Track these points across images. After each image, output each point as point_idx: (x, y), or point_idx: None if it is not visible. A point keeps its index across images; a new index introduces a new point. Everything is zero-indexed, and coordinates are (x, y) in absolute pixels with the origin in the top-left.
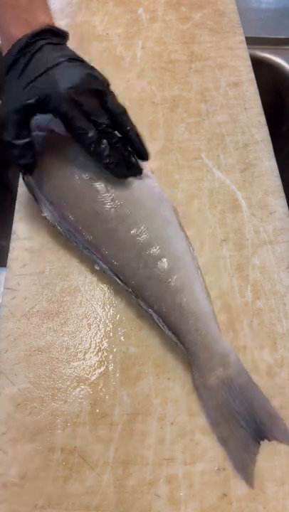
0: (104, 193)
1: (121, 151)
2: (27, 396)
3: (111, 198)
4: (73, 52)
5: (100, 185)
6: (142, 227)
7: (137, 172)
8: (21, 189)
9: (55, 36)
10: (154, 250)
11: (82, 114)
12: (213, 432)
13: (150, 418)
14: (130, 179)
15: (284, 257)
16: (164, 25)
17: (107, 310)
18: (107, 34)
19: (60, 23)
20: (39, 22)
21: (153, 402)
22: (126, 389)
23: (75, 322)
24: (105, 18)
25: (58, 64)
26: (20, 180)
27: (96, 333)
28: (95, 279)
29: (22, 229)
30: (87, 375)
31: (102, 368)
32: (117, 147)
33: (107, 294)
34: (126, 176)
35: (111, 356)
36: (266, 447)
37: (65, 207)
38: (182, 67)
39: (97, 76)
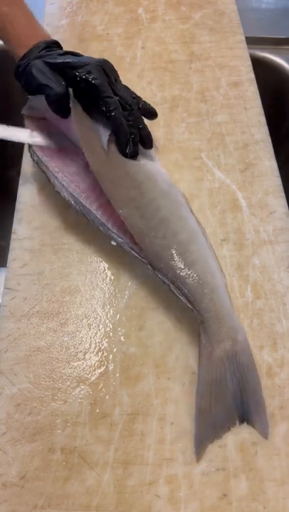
0: (122, 166)
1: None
2: (27, 396)
3: (128, 170)
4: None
5: (116, 159)
6: (161, 202)
7: (150, 147)
8: (21, 189)
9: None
10: (172, 224)
11: (110, 84)
12: (195, 400)
13: (150, 418)
14: (143, 161)
15: (284, 257)
16: (164, 25)
17: (107, 310)
18: (107, 34)
19: (60, 23)
20: (46, 35)
21: (153, 402)
22: (126, 389)
23: (75, 322)
24: (105, 17)
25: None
26: (21, 180)
27: (96, 333)
28: (94, 279)
29: (22, 229)
30: (87, 375)
31: (102, 368)
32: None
33: (107, 294)
34: (136, 152)
35: (111, 356)
36: (266, 447)
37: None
38: (182, 67)
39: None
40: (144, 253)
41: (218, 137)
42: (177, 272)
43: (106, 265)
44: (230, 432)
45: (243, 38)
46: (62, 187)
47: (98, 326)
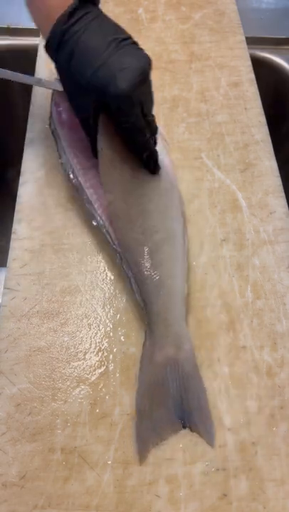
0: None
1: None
2: (27, 396)
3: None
4: (117, 26)
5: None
6: (150, 197)
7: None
8: (21, 189)
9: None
10: (155, 222)
11: (141, 113)
12: (136, 400)
13: None
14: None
15: (284, 257)
16: (164, 25)
17: (107, 310)
18: None
19: None
20: None
21: None
22: (126, 389)
23: (75, 322)
24: None
25: (111, 51)
26: (21, 180)
27: (96, 333)
28: (95, 279)
29: (22, 229)
30: (87, 375)
31: (102, 368)
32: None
33: (107, 294)
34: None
35: (111, 356)
36: (266, 447)
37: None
38: (182, 67)
39: (148, 57)
40: (118, 241)
41: (218, 137)
42: (141, 268)
43: (106, 265)
44: (230, 432)
45: (243, 38)
46: (68, 161)
47: (98, 326)
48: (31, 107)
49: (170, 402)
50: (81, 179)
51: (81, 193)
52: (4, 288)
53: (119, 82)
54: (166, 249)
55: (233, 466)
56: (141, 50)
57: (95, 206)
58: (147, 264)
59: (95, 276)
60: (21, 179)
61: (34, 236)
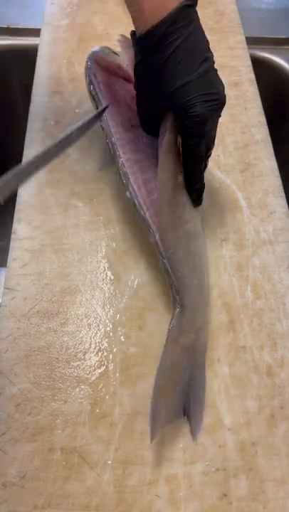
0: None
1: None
2: (27, 396)
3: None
4: (207, 41)
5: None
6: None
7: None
8: (21, 189)
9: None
10: (188, 214)
11: (208, 140)
12: (156, 377)
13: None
14: None
15: (284, 257)
16: None
17: (107, 310)
18: (108, 34)
19: (60, 23)
20: None
21: None
22: (126, 389)
23: (75, 322)
24: (105, 18)
25: (202, 71)
26: None
27: (96, 333)
28: (95, 279)
29: (22, 229)
30: (87, 375)
31: (102, 368)
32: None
33: (107, 294)
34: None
35: (111, 356)
36: (266, 447)
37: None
38: None
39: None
40: (151, 219)
41: (218, 137)
42: (178, 252)
43: (106, 265)
44: (230, 432)
45: (243, 38)
46: (108, 128)
47: (98, 326)
48: (31, 107)
49: (181, 387)
50: (119, 148)
51: (117, 160)
52: (4, 288)
53: (201, 106)
54: (197, 242)
55: (233, 466)
56: (218, 75)
57: (131, 179)
58: (183, 250)
59: (95, 276)
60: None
61: (34, 236)
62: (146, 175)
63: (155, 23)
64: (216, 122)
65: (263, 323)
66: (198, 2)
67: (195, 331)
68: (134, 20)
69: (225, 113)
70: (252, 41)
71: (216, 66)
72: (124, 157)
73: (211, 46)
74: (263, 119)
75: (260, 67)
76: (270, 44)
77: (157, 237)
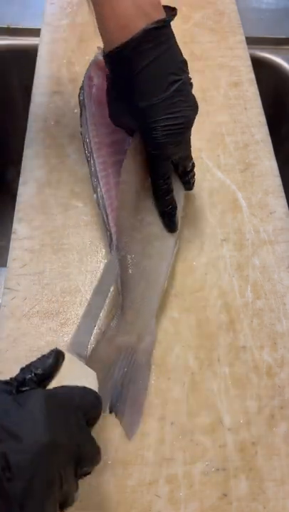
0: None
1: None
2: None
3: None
4: (182, 59)
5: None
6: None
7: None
8: (21, 189)
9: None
10: (153, 216)
11: (173, 164)
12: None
13: (150, 418)
14: None
15: (284, 257)
16: None
17: (107, 310)
18: None
19: (60, 23)
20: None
21: (153, 402)
22: None
23: (75, 322)
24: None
25: (169, 94)
26: (21, 180)
27: (96, 333)
28: (95, 279)
29: (22, 229)
30: None
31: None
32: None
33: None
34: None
35: None
36: (266, 447)
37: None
38: None
39: (196, 108)
40: (113, 221)
41: (218, 137)
42: (129, 255)
43: None
44: (230, 432)
45: (243, 38)
46: (86, 131)
47: (98, 326)
48: (31, 107)
49: (110, 385)
50: (94, 153)
51: (90, 165)
52: (4, 288)
53: (162, 131)
54: (157, 245)
55: (233, 466)
56: (192, 97)
57: (101, 183)
58: (136, 254)
59: (95, 276)
60: (21, 179)
61: (34, 236)
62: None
63: (120, 43)
64: (184, 143)
65: (263, 323)
66: (199, 2)
67: (137, 333)
68: (101, 37)
69: (225, 113)
70: (252, 41)
71: (216, 66)
72: (99, 160)
73: (210, 46)
74: (263, 119)
75: (260, 67)
76: (270, 44)
77: (114, 239)
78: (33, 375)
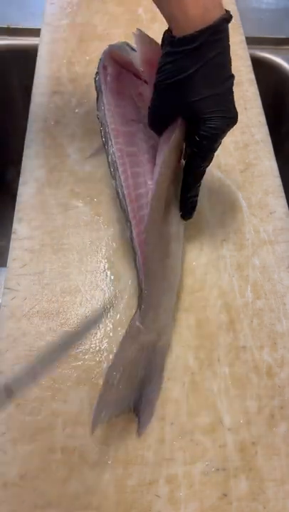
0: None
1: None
2: (27, 396)
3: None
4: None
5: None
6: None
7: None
8: (21, 189)
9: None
10: (173, 215)
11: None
12: (108, 371)
13: None
14: None
15: (284, 257)
16: (164, 25)
17: (107, 310)
18: (108, 34)
19: (60, 23)
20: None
21: None
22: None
23: (75, 322)
24: (105, 18)
25: (225, 87)
26: (21, 180)
27: (96, 333)
28: (94, 279)
29: (22, 229)
30: (87, 375)
31: (102, 368)
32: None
33: (107, 294)
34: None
35: (111, 356)
36: (266, 447)
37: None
38: None
39: None
40: (135, 217)
41: None
42: (155, 251)
43: (106, 265)
44: (230, 432)
45: (243, 38)
46: (104, 118)
47: (98, 326)
48: (31, 107)
49: (134, 385)
50: (112, 138)
51: (107, 150)
52: (4, 288)
53: (220, 121)
54: (174, 245)
55: (233, 466)
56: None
57: (120, 170)
58: (160, 252)
59: (95, 277)
60: (21, 179)
61: (34, 236)
62: (136, 168)
63: (197, 29)
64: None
65: (263, 323)
66: None
67: (157, 331)
68: (174, 21)
69: None
70: (252, 41)
71: None
72: (116, 147)
73: None
74: (263, 119)
75: (260, 67)
76: (270, 44)
77: (134, 232)
78: None
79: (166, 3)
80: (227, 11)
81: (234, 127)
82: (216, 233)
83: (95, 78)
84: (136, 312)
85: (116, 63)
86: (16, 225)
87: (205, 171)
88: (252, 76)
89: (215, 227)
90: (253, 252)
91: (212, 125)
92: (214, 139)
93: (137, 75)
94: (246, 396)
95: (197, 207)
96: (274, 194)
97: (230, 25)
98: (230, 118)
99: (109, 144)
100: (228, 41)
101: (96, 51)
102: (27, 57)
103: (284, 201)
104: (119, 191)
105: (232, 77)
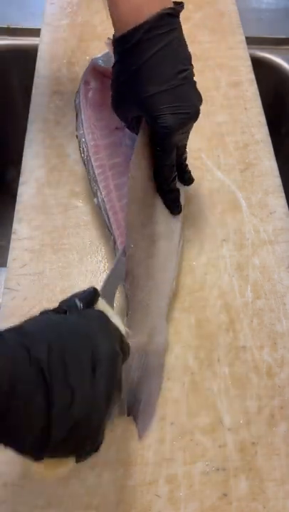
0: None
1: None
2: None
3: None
4: (188, 50)
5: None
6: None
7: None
8: (21, 189)
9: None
10: (158, 215)
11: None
12: None
13: None
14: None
15: (284, 257)
16: None
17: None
18: (107, 34)
19: (60, 23)
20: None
21: None
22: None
23: None
24: (105, 17)
25: (176, 82)
26: (21, 180)
27: None
28: (95, 279)
29: (22, 229)
30: None
31: None
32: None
33: None
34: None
35: None
36: (266, 447)
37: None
38: None
39: (201, 100)
40: (115, 225)
41: (218, 137)
42: (134, 255)
43: (106, 265)
44: (230, 432)
45: (243, 38)
46: (82, 135)
47: None
48: (31, 107)
49: (126, 387)
50: (91, 156)
51: (88, 169)
52: (4, 288)
53: (171, 118)
54: (162, 244)
55: (233, 466)
56: (196, 88)
57: (100, 186)
58: (143, 252)
59: (95, 277)
60: (21, 179)
61: (34, 236)
62: (119, 180)
63: (131, 27)
64: (187, 133)
65: (263, 323)
66: (199, 2)
67: (147, 333)
68: (113, 22)
69: (225, 113)
70: (252, 41)
71: (216, 66)
72: (96, 163)
73: (210, 46)
74: (263, 119)
75: (260, 67)
76: (270, 44)
77: (118, 241)
78: (77, 300)
79: (108, 4)
80: (176, 3)
81: (234, 127)
82: (216, 233)
83: (74, 99)
84: (124, 317)
85: (99, 74)
86: (16, 225)
87: (174, 166)
88: (252, 76)
89: (215, 227)
90: (253, 252)
91: (163, 123)
92: (168, 136)
93: None
94: (246, 396)
95: (197, 206)
96: (274, 194)
97: (230, 25)
98: (186, 113)
99: (91, 160)
100: (179, 33)
101: (96, 51)
102: (27, 57)
103: (284, 201)
104: (102, 206)
105: (187, 70)
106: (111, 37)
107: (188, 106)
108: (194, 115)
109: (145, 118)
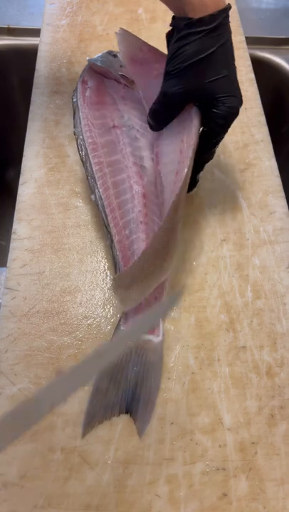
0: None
1: None
2: (27, 396)
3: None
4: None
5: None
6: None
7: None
8: (21, 189)
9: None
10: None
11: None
12: (96, 377)
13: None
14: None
15: (284, 257)
16: (164, 25)
17: (107, 310)
18: (107, 34)
19: (60, 23)
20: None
21: None
22: None
23: (75, 322)
24: (105, 18)
25: (233, 73)
26: (21, 180)
27: (96, 334)
28: (95, 279)
29: (22, 229)
30: None
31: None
32: None
33: (107, 294)
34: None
35: None
36: (266, 447)
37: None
38: None
39: None
40: (112, 222)
41: None
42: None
43: (106, 265)
44: (230, 432)
45: (243, 38)
46: (80, 132)
47: (98, 326)
48: (31, 107)
49: (124, 385)
50: (89, 153)
51: (86, 166)
52: (4, 288)
53: (236, 100)
54: (156, 243)
55: (233, 466)
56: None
57: (98, 183)
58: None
59: (95, 276)
60: (21, 179)
61: (34, 236)
62: (119, 176)
63: (212, 11)
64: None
65: (263, 323)
66: None
67: (145, 330)
68: (188, 5)
69: None
70: (252, 41)
71: None
72: (94, 160)
73: None
74: (263, 119)
75: (260, 67)
76: (270, 44)
77: (116, 239)
78: None
79: None
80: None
81: (234, 127)
82: (216, 233)
83: (72, 97)
84: (121, 315)
85: (97, 74)
86: (16, 225)
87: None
88: (252, 76)
89: (215, 227)
90: (253, 252)
91: (229, 104)
92: (232, 117)
93: (118, 81)
94: (246, 396)
95: (197, 206)
96: (274, 194)
97: (230, 25)
98: (240, 97)
99: (89, 157)
100: (230, 30)
101: (96, 51)
102: (27, 57)
103: (284, 201)
104: (99, 203)
105: (234, 65)
106: (112, 36)
107: (240, 92)
108: (241, 103)
109: (207, 101)
